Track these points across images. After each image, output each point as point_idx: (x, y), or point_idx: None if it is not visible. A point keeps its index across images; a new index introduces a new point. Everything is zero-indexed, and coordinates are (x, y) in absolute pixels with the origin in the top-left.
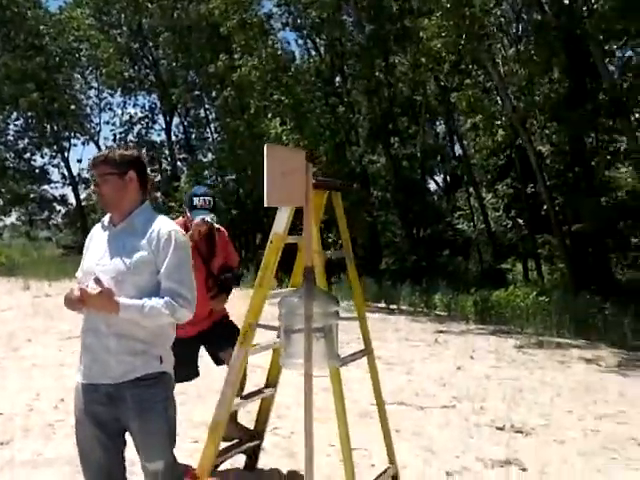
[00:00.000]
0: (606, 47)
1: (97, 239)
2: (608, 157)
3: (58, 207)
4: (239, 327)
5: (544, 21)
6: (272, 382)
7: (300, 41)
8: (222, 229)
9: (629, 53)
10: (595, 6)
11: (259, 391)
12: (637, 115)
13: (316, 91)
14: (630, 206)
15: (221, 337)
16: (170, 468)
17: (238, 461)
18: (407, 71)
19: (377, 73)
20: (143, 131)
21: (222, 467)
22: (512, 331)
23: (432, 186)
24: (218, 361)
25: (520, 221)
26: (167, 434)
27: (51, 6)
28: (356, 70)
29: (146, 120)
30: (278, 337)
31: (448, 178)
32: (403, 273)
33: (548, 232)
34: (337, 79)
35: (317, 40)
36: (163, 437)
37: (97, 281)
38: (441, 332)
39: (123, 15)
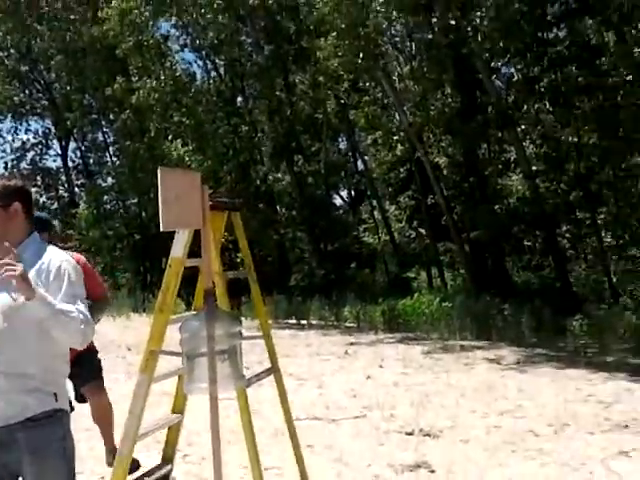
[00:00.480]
0: (492, 64)
1: None
2: (499, 167)
3: None
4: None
5: (434, 40)
6: (179, 409)
7: (200, 62)
8: (78, 258)
9: (512, 70)
10: (479, 26)
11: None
12: (522, 127)
13: (218, 111)
14: (521, 212)
15: (83, 371)
16: None
17: None
18: (307, 90)
19: (278, 92)
20: (37, 157)
21: None
22: (419, 337)
23: (337, 201)
24: (81, 397)
25: (422, 231)
26: (67, 476)
27: None
28: (257, 90)
29: (40, 146)
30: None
31: (352, 193)
32: (312, 288)
33: (449, 240)
34: (239, 99)
35: (216, 61)
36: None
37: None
38: (351, 344)
39: (9, 37)
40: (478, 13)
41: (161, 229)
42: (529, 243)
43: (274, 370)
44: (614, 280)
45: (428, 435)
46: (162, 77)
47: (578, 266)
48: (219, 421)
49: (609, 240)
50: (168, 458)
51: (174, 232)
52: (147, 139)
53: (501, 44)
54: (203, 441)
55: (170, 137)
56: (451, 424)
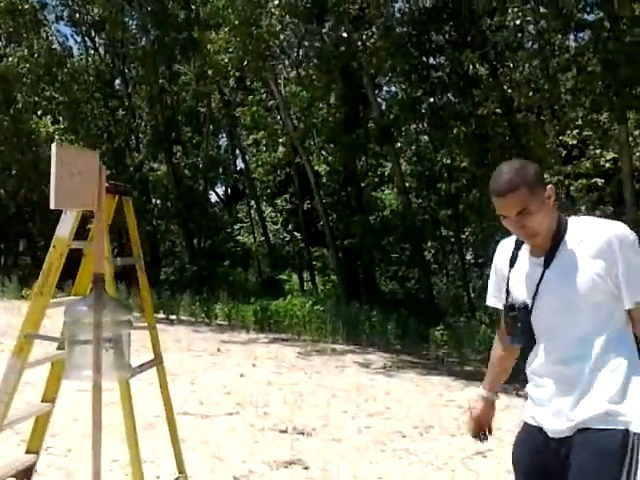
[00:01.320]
0: (376, 80)
1: None
2: (375, 179)
3: None
4: None
5: (324, 49)
6: (49, 397)
7: (78, 37)
8: None
9: (394, 88)
10: (368, 43)
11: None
12: (399, 144)
13: (95, 91)
14: (393, 224)
15: None
16: None
17: None
18: (191, 81)
19: (161, 80)
20: None
21: None
22: (291, 339)
23: (213, 198)
24: None
25: (297, 235)
26: None
27: None
28: (139, 75)
29: None
30: (58, 349)
31: (229, 190)
32: (183, 283)
33: (322, 245)
34: (117, 81)
35: (96, 39)
36: None
37: None
38: (223, 342)
39: None
40: (369, 30)
41: (51, 207)
42: (396, 255)
43: (157, 362)
44: (472, 295)
45: (302, 433)
46: (35, 47)
47: (440, 280)
48: (102, 412)
49: (470, 258)
50: (33, 449)
51: (33, 214)
52: (13, 111)
53: (388, 63)
54: (67, 432)
55: (40, 112)
56: (323, 423)
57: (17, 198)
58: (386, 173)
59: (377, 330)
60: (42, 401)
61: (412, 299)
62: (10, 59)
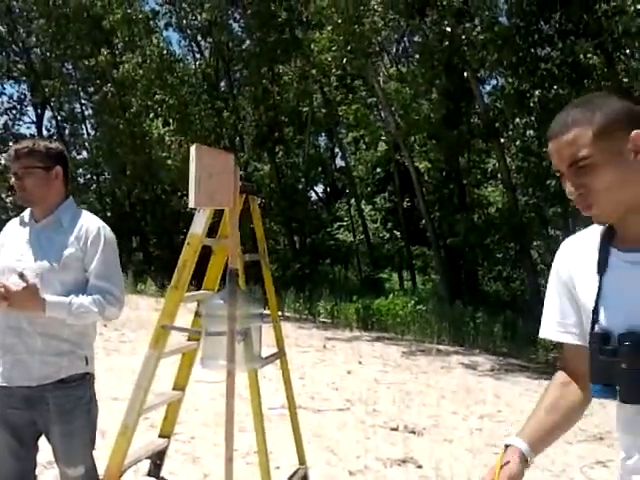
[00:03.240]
0: (480, 74)
1: (14, 235)
2: (479, 176)
3: None
4: None
5: (427, 45)
6: (180, 386)
7: (183, 42)
8: None
9: (499, 82)
10: (473, 35)
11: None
12: (503, 139)
13: (201, 94)
14: (496, 222)
15: None
16: (91, 473)
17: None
18: (293, 81)
19: (264, 81)
20: (10, 122)
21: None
22: (394, 338)
23: (313, 196)
24: None
25: (397, 233)
26: (89, 438)
27: None
28: (243, 76)
29: (14, 111)
30: (188, 340)
31: (328, 189)
32: (286, 280)
33: (423, 244)
34: (222, 83)
35: (202, 43)
36: (85, 441)
37: (21, 276)
38: (328, 338)
39: None
40: (473, 23)
41: (190, 206)
42: (501, 254)
43: (281, 355)
44: None
45: (412, 432)
46: (148, 53)
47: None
48: (234, 401)
49: None
50: (165, 434)
51: (145, 212)
52: (128, 115)
53: (494, 56)
54: (190, 419)
55: (151, 115)
56: (434, 423)
57: (131, 197)
58: (490, 169)
59: (482, 332)
60: (173, 389)
61: (518, 300)
62: (126, 66)
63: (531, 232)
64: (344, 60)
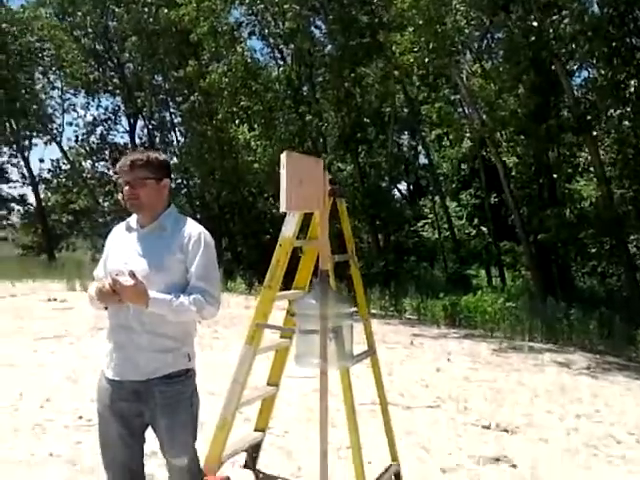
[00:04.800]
0: (568, 67)
1: (121, 240)
2: (569, 170)
3: (16, 207)
4: None
5: (512, 40)
6: (274, 381)
7: (266, 50)
8: None
9: (589, 74)
10: (562, 27)
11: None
12: (596, 132)
13: (285, 99)
14: (589, 217)
15: None
16: (194, 463)
17: (239, 459)
18: (375, 82)
19: (346, 84)
20: (106, 133)
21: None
22: (483, 335)
23: (396, 194)
24: None
25: (484, 229)
26: (192, 430)
27: (13, 4)
28: (325, 80)
29: (109, 122)
30: (281, 337)
31: (412, 187)
32: (371, 278)
33: (511, 240)
34: (305, 88)
35: (284, 50)
36: (188, 433)
37: (132, 274)
38: (415, 335)
39: (89, 17)
40: (560, 15)
41: (282, 210)
42: (595, 249)
43: (372, 352)
44: None
45: (505, 431)
46: (233, 62)
47: None
48: (328, 396)
49: None
50: (260, 427)
51: (233, 215)
52: (215, 122)
53: (585, 47)
54: (283, 414)
55: (237, 121)
56: (527, 422)
57: (219, 200)
58: (581, 163)
59: (576, 329)
60: (267, 384)
61: (615, 297)
62: (212, 76)
63: (628, 226)
64: (426, 60)
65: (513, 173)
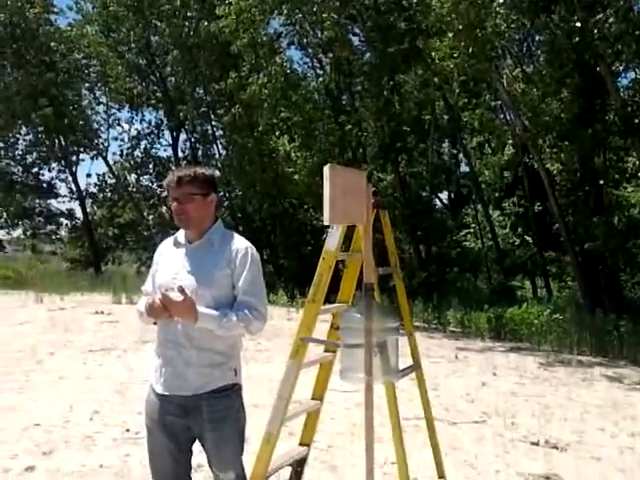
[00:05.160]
0: (614, 68)
1: (169, 255)
2: (616, 176)
3: (64, 221)
4: None
5: (555, 42)
6: (318, 395)
7: (305, 60)
8: None
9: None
10: (606, 27)
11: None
12: None
13: (324, 109)
14: (639, 224)
15: None
16: (240, 478)
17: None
18: (413, 90)
19: (385, 92)
20: (149, 146)
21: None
22: (529, 348)
23: (437, 204)
24: None
25: (528, 239)
26: (238, 445)
27: (61, 23)
28: (364, 88)
29: (152, 136)
30: (325, 351)
31: (453, 196)
32: (413, 290)
33: (555, 249)
34: (344, 97)
35: (323, 59)
36: (235, 448)
37: (181, 290)
38: (459, 349)
39: (132, 33)
40: (605, 14)
41: (325, 223)
42: None
43: (416, 367)
44: None
45: (555, 447)
46: (273, 73)
47: None
48: (374, 412)
49: None
50: (305, 442)
51: (274, 227)
52: (256, 134)
53: (632, 48)
54: (327, 428)
55: (277, 133)
56: (578, 439)
57: (261, 212)
58: (629, 168)
59: (627, 342)
60: (312, 399)
61: None
62: (252, 87)
63: None
64: (466, 65)
65: (557, 180)
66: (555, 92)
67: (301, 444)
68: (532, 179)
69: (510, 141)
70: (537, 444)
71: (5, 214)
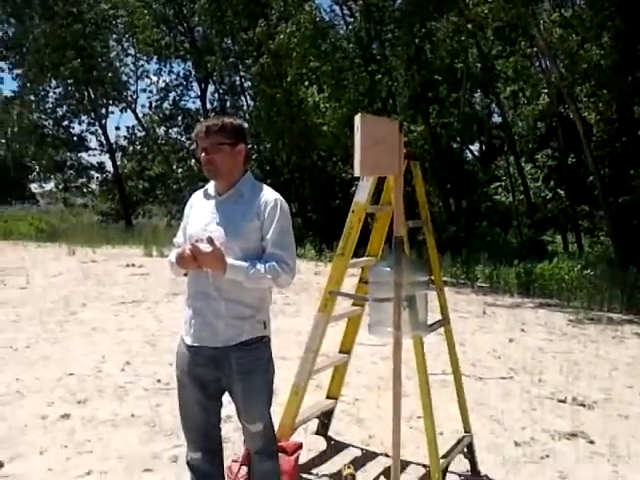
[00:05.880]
0: None
1: (200, 207)
2: None
3: (95, 174)
4: None
5: None
6: (346, 349)
7: (334, 7)
8: None
9: None
10: None
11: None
12: None
13: (354, 58)
14: None
15: None
16: (269, 429)
17: (311, 426)
18: (445, 37)
19: (416, 40)
20: (178, 98)
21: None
22: (559, 304)
23: (468, 156)
24: None
25: (561, 192)
26: (267, 397)
27: None
28: (395, 36)
29: (181, 87)
30: (353, 305)
31: (484, 147)
32: (441, 244)
33: (588, 203)
34: (374, 46)
35: (353, 6)
36: (263, 399)
37: (210, 241)
38: (487, 304)
39: None
40: None
41: (355, 174)
42: None
43: (445, 322)
44: None
45: (582, 405)
46: (302, 22)
47: None
48: (401, 365)
49: None
50: (332, 395)
51: (303, 180)
52: (284, 84)
53: None
54: (353, 382)
55: (306, 83)
56: (605, 397)
57: (289, 164)
58: None
59: None
60: (340, 352)
61: None
62: (281, 36)
63: None
64: (501, 11)
65: (594, 131)
66: (595, 37)
67: (328, 397)
68: (567, 130)
69: (545, 90)
70: (564, 401)
71: (38, 167)
